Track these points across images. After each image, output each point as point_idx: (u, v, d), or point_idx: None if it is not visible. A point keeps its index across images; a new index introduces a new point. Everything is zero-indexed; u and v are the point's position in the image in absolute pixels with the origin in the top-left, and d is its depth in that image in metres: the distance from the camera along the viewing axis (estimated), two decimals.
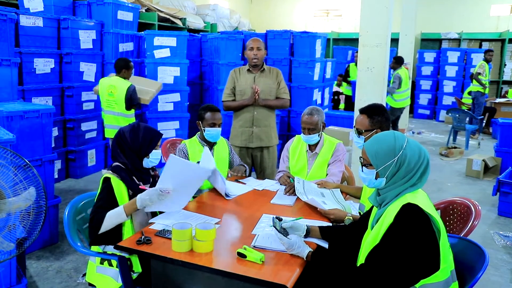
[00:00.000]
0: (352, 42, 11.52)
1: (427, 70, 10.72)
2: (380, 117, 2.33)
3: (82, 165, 5.31)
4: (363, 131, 2.36)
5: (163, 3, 8.70)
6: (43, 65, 4.84)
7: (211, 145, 2.99)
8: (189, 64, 5.74)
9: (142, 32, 5.88)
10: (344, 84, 8.65)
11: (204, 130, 2.92)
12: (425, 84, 10.75)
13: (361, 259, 1.70)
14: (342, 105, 8.40)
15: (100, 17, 5.48)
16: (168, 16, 7.86)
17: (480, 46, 10.79)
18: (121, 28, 5.64)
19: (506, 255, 3.51)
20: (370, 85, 4.14)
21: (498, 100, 9.02)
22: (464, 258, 1.77)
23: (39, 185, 2.12)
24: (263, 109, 3.58)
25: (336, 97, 8.33)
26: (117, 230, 2.10)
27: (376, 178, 1.66)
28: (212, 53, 6.31)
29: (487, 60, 8.26)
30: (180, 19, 8.21)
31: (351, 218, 2.19)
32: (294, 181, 2.69)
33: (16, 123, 3.10)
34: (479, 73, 8.15)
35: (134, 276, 2.09)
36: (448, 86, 10.38)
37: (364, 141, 2.32)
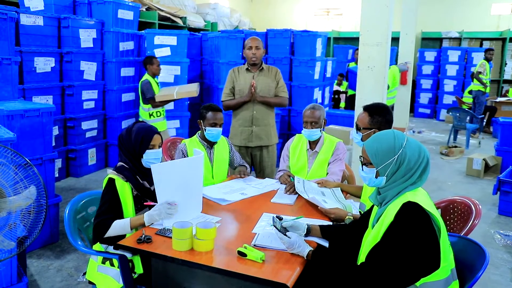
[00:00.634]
0: (352, 41, 11.50)
1: (427, 69, 10.72)
2: (381, 117, 2.33)
3: (83, 164, 5.32)
4: (362, 128, 2.37)
5: (163, 2, 8.68)
6: (44, 64, 4.84)
7: (211, 144, 2.98)
8: (189, 63, 5.74)
9: (143, 31, 5.88)
10: (344, 83, 8.63)
11: (205, 129, 2.92)
12: (426, 83, 10.75)
13: (361, 258, 1.70)
14: (342, 104, 8.39)
15: (100, 16, 5.48)
16: (168, 15, 7.86)
17: (481, 45, 10.77)
18: (121, 27, 5.63)
19: (507, 254, 3.51)
20: (371, 84, 4.15)
21: (499, 99, 8.99)
22: (465, 257, 1.77)
23: (40, 184, 2.12)
24: (262, 108, 3.56)
25: (336, 96, 8.32)
26: None
27: (376, 177, 1.66)
28: (212, 52, 6.30)
29: (487, 59, 8.25)
30: (181, 18, 8.20)
31: (352, 217, 2.19)
32: (294, 180, 2.69)
33: (17, 122, 3.10)
34: (480, 72, 8.14)
35: (135, 276, 2.09)
36: (449, 85, 10.37)
37: (362, 139, 2.34)
